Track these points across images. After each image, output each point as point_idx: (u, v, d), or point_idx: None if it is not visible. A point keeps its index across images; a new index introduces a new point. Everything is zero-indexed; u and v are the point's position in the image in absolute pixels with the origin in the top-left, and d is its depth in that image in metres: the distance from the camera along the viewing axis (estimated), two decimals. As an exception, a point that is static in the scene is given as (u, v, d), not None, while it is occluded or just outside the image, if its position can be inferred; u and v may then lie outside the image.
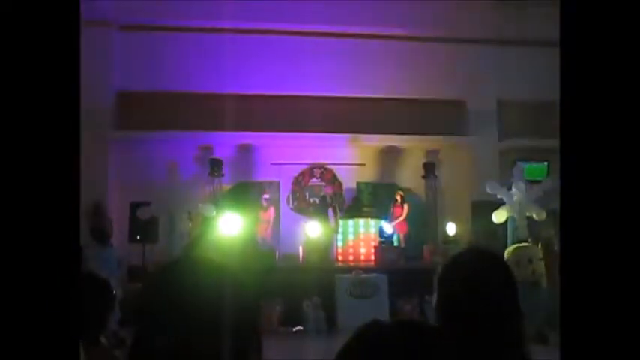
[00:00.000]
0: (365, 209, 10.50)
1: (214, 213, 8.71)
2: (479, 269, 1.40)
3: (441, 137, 10.78)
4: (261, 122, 10.34)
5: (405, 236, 9.82)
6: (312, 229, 9.20)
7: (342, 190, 10.99)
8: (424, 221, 10.79)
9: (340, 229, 10.02)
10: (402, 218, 9.83)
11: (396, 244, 9.63)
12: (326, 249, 9.35)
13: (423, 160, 10.76)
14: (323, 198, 10.01)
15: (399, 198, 9.94)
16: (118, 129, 10.15)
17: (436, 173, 10.59)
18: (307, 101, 10.58)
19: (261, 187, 10.62)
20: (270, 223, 9.82)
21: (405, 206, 9.93)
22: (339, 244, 10.04)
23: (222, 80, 10.27)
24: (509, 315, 1.37)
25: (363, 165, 11.24)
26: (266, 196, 9.90)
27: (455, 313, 1.35)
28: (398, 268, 8.69)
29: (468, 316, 1.32)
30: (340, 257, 9.96)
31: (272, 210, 9.90)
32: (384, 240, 9.38)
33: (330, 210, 9.77)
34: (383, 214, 10.33)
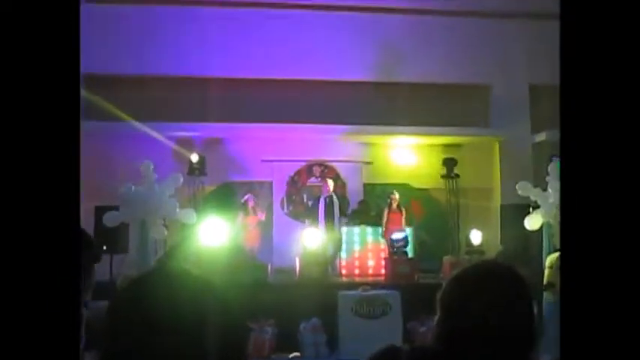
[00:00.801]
0: (373, 214, 10.41)
1: (194, 219, 8.67)
2: (486, 285, 1.41)
3: (463, 129, 10.72)
4: (250, 111, 10.28)
5: (418, 246, 9.78)
6: (311, 238, 9.14)
7: (346, 191, 10.96)
8: (444, 228, 10.73)
9: (344, 238, 9.95)
10: (401, 226, 9.64)
11: (410, 255, 9.59)
12: (327, 261, 9.28)
13: (443, 157, 10.69)
14: (323, 200, 9.93)
15: (393, 202, 9.79)
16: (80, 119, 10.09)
17: (458, 172, 10.52)
18: (305, 86, 10.52)
19: (250, 189, 10.58)
20: (259, 230, 9.77)
21: (404, 211, 9.83)
22: (343, 255, 9.99)
23: (205, 62, 10.21)
24: (520, 339, 1.38)
25: (371, 163, 11.20)
26: (249, 196, 9.84)
27: (455, 335, 1.37)
28: (412, 283, 8.64)
29: (469, 338, 1.34)
30: (344, 271, 9.90)
31: (260, 214, 9.86)
32: (396, 251, 9.34)
33: (329, 213, 9.69)
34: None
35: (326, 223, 9.64)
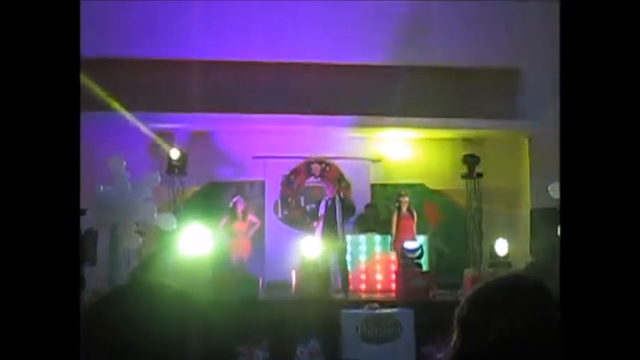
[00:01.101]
0: (382, 220, 10.45)
1: (174, 225, 8.68)
2: (510, 302, 1.43)
3: (487, 121, 10.71)
4: (239, 100, 10.26)
5: (434, 257, 9.80)
6: (310, 247, 9.15)
7: (350, 193, 10.96)
8: (464, 236, 10.74)
9: (348, 248, 9.98)
10: (413, 233, 9.70)
11: (425, 267, 9.61)
12: (328, 274, 9.31)
13: (463, 153, 10.74)
14: (324, 203, 9.91)
15: (403, 205, 9.81)
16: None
17: (481, 170, 10.56)
18: (303, 71, 10.51)
19: (239, 190, 10.58)
20: (249, 238, 9.78)
21: (416, 216, 9.87)
22: (348, 267, 9.96)
23: (186, 41, 10.19)
24: None
25: (380, 160, 11.20)
26: (238, 198, 9.84)
27: (474, 358, 1.41)
28: (428, 301, 8.68)
29: None
30: (349, 286, 9.84)
31: (252, 219, 9.88)
32: (409, 262, 9.35)
33: (331, 219, 9.68)
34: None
35: (328, 229, 9.59)
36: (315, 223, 9.92)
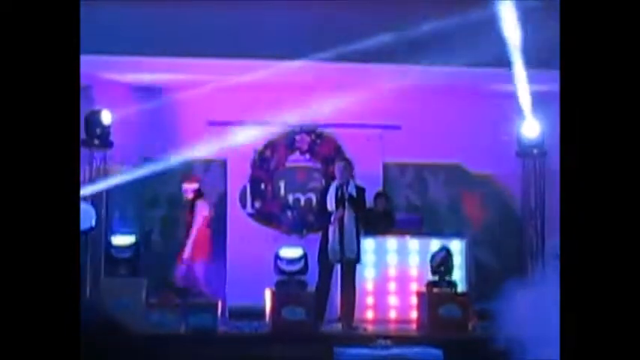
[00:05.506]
0: (399, 216, 10.62)
1: (93, 221, 8.74)
2: None
3: (553, 72, 10.64)
4: (187, 37, 10.20)
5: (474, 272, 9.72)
6: (294, 256, 9.20)
7: (352, 176, 10.86)
8: (519, 241, 10.91)
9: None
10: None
11: (461, 287, 9.63)
12: (319, 295, 9.29)
13: (519, 116, 10.74)
14: (334, 190, 9.43)
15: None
16: None
17: (546, 147, 10.61)
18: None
19: (188, 171, 10.58)
20: (207, 238, 9.83)
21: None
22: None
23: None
24: None
25: (398, 127, 11.20)
26: (189, 186, 9.92)
27: None
28: (464, 338, 8.78)
29: None
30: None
31: (205, 210, 9.83)
32: (439, 280, 9.32)
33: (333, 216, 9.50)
34: (436, 226, 10.52)
35: (340, 236, 9.12)
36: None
